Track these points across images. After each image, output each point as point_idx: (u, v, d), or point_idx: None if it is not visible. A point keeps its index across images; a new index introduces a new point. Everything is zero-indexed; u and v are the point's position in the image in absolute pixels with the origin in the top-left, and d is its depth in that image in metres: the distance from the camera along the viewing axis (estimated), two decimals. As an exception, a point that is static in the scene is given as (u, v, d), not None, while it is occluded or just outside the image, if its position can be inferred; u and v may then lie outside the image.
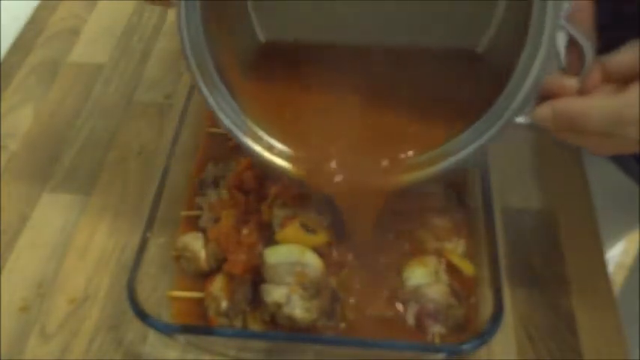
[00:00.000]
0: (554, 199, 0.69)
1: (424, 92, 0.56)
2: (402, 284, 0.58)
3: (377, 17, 0.58)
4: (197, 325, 0.56)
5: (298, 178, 0.53)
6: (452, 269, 0.58)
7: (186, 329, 0.54)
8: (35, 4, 0.96)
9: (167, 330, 0.53)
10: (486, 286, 0.55)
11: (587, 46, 0.44)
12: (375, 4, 0.57)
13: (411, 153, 0.53)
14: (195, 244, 0.60)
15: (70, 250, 0.67)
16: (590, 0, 0.45)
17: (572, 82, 0.45)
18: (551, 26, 0.43)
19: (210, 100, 0.50)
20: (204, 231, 0.61)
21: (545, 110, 0.46)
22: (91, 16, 0.94)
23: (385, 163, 0.53)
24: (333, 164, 0.53)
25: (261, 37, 0.62)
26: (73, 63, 0.88)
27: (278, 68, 0.59)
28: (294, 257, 0.56)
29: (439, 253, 0.59)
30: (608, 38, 0.46)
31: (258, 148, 0.52)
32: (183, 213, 0.64)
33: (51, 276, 0.64)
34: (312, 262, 0.57)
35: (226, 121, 0.51)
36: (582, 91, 0.45)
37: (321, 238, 0.59)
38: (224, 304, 0.57)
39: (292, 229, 0.59)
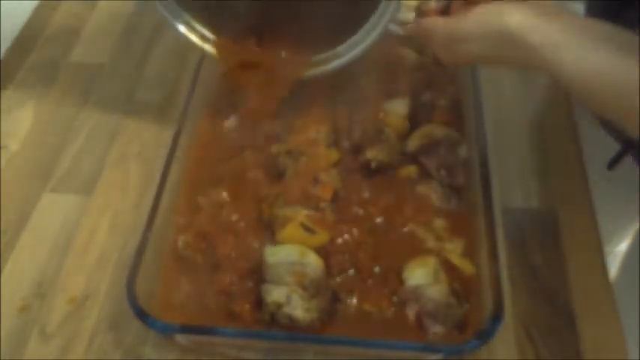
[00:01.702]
0: (554, 198, 0.69)
1: (326, 9, 0.67)
2: (402, 284, 0.58)
3: None
4: (197, 325, 0.56)
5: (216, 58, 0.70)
6: (452, 269, 0.58)
7: (186, 329, 0.54)
8: (35, 4, 0.96)
9: (167, 330, 0.53)
10: (486, 286, 0.55)
11: None
12: None
13: (311, 52, 0.68)
14: (196, 244, 0.60)
15: (70, 249, 0.66)
16: None
17: (437, 5, 0.59)
18: None
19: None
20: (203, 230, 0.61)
21: (413, 25, 0.61)
22: (91, 16, 0.94)
23: (291, 57, 0.70)
24: (248, 51, 0.70)
25: None
26: (73, 63, 0.88)
27: None
28: (294, 257, 0.56)
29: (439, 253, 0.59)
30: None
31: (193, 37, 0.70)
32: (183, 213, 0.64)
33: (51, 276, 0.64)
34: (312, 262, 0.57)
35: (167, 15, 0.68)
36: (446, 12, 0.58)
37: (321, 238, 0.59)
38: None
39: (292, 229, 0.59)
